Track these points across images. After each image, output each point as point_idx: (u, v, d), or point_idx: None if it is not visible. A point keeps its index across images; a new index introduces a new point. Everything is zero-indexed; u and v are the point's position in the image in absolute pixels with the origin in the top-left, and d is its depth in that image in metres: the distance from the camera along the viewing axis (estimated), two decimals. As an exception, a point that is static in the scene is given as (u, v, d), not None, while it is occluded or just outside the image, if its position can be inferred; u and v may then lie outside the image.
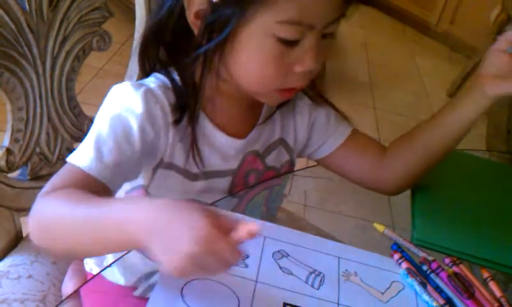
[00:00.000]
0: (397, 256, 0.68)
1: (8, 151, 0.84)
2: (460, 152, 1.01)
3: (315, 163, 0.87)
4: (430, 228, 0.77)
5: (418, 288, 0.64)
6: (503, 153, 1.23)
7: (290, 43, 0.65)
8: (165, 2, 0.69)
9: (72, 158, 0.64)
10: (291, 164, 0.84)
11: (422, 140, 0.79)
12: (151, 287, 0.71)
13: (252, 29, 0.65)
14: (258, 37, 0.65)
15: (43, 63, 0.85)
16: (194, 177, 0.73)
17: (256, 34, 0.65)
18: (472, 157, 1.02)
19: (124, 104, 0.67)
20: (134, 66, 1.01)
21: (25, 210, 0.91)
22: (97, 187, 0.62)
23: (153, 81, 0.70)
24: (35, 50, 0.83)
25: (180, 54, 0.70)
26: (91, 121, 0.96)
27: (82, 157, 0.63)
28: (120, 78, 1.04)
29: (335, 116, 0.83)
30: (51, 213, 0.59)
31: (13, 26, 0.79)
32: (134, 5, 0.97)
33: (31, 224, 0.60)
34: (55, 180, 0.62)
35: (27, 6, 0.80)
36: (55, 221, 0.59)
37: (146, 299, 0.56)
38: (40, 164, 0.91)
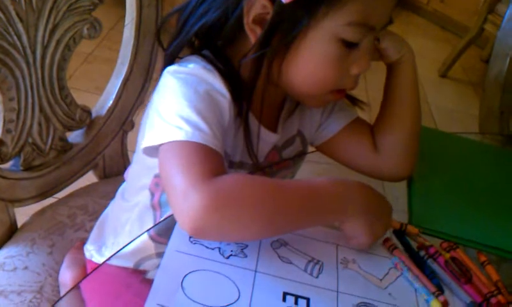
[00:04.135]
0: (387, 244, 0.68)
1: (0, 142, 0.83)
2: (454, 136, 1.01)
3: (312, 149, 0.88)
4: (427, 213, 0.77)
5: (409, 275, 0.63)
6: (496, 134, 1.24)
7: (351, 46, 0.67)
8: (221, 4, 0.68)
9: (175, 136, 0.60)
10: (303, 153, 0.85)
11: (389, 113, 0.81)
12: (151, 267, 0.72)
13: (318, 32, 0.66)
14: (323, 40, 0.66)
15: (34, 53, 0.84)
16: (230, 165, 0.74)
17: (321, 37, 0.66)
18: (465, 140, 1.02)
19: (210, 83, 0.66)
20: (126, 53, 1.00)
21: (19, 201, 0.90)
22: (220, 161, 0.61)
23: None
24: (25, 40, 0.82)
25: (225, 55, 0.70)
26: (82, 110, 0.96)
27: (193, 133, 0.59)
28: (109, 63, 1.03)
29: (340, 102, 0.83)
30: (244, 194, 0.56)
31: (1, 15, 0.77)
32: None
33: (201, 211, 0.54)
34: (199, 167, 0.57)
35: (16, -5, 0.79)
36: (251, 201, 0.57)
37: (149, 286, 0.56)
38: (33, 154, 0.90)
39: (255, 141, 0.72)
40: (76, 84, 1.14)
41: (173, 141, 0.60)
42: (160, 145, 0.62)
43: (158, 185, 0.74)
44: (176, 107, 0.62)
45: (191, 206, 0.54)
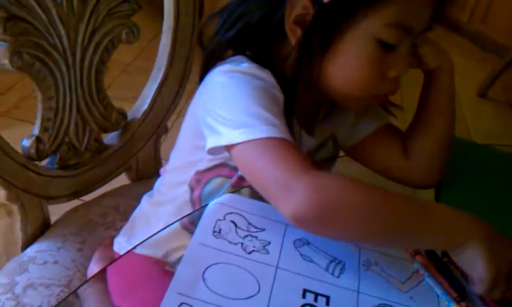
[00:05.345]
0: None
1: (38, 139, 0.86)
2: (487, 148, 1.00)
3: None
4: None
5: (430, 281, 0.63)
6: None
7: (388, 48, 0.68)
8: (261, 5, 0.70)
9: (252, 134, 0.61)
10: (334, 158, 0.85)
11: (423, 119, 0.81)
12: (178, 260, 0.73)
13: (357, 32, 0.67)
14: (362, 40, 0.67)
15: (73, 54, 0.87)
16: None
17: (359, 38, 0.67)
18: (499, 152, 1.00)
19: (266, 80, 0.68)
20: (162, 59, 1.02)
21: (53, 198, 0.93)
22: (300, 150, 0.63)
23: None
24: (65, 41, 0.85)
25: (268, 57, 0.71)
26: (118, 112, 0.98)
27: (267, 128, 0.62)
28: (148, 74, 1.05)
29: (374, 107, 0.83)
30: (350, 198, 0.58)
31: (44, 17, 0.81)
32: (162, 0, 0.99)
33: (310, 204, 0.57)
34: (293, 159, 0.60)
35: (58, -2, 0.82)
36: (363, 207, 0.58)
37: (172, 276, 0.56)
38: (69, 153, 0.93)
39: (296, 143, 0.73)
40: (114, 93, 1.17)
41: (253, 140, 0.61)
42: (230, 145, 0.63)
43: (199, 181, 0.75)
44: (242, 106, 0.64)
45: (299, 196, 0.57)
